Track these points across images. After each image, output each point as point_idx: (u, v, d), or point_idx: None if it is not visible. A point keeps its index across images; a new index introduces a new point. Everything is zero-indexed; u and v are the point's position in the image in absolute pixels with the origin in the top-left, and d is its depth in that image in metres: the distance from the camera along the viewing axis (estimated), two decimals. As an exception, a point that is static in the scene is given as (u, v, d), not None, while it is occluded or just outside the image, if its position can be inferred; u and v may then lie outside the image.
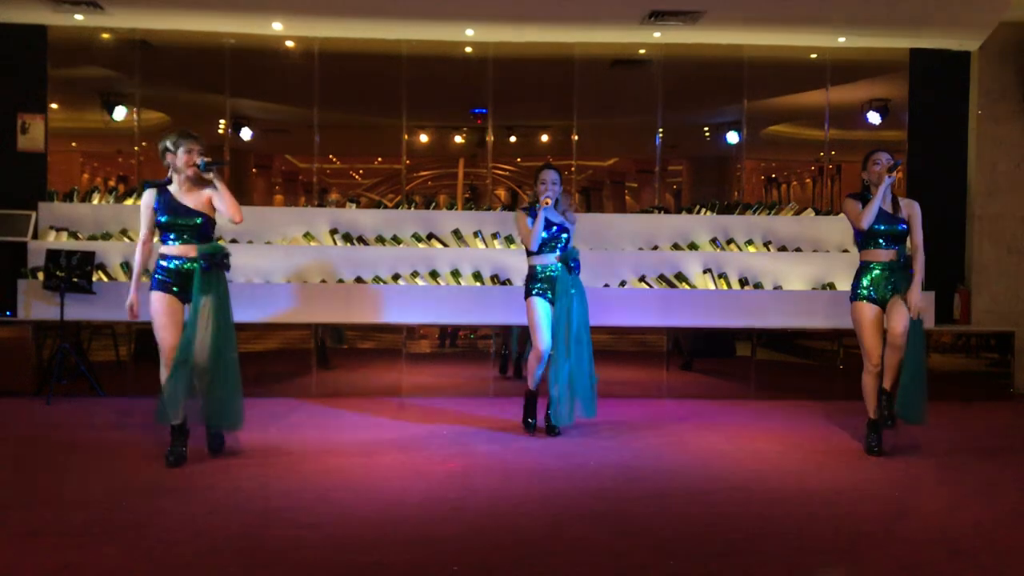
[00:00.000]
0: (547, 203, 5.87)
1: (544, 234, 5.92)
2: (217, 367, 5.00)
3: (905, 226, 5.54)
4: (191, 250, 5.02)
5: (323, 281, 7.99)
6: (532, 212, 5.96)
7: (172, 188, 5.06)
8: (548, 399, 5.92)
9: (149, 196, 5.07)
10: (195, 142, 5.03)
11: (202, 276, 4.97)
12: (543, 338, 5.90)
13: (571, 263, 5.95)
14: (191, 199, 5.05)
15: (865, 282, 5.56)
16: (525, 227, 5.97)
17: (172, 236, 5.05)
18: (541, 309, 5.93)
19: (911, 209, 5.57)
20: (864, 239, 5.58)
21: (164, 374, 5.00)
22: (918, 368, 5.44)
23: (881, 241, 5.53)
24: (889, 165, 5.46)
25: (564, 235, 6.00)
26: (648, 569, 3.57)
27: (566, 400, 5.85)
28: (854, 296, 5.62)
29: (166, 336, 5.00)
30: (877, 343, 5.50)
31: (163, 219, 5.01)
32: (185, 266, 5.03)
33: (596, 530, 4.05)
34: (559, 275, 5.92)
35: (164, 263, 5.06)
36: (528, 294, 5.99)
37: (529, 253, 6.03)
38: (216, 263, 5.01)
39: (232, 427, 5.27)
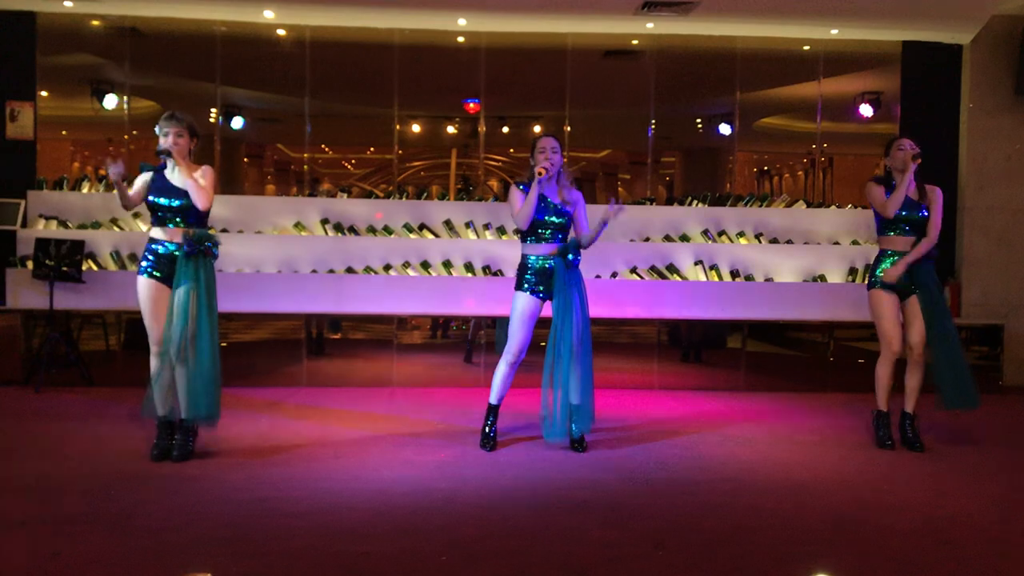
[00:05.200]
0: (542, 172, 5.07)
1: (541, 217, 5.19)
2: (192, 356, 4.80)
3: (928, 213, 5.48)
4: (177, 234, 4.90)
5: (314, 271, 7.98)
6: (527, 187, 5.21)
7: (167, 171, 4.96)
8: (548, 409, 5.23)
9: (146, 176, 5.00)
10: (173, 124, 4.91)
11: (184, 261, 4.84)
12: (520, 339, 5.21)
13: (569, 257, 5.19)
14: (180, 181, 4.91)
15: (884, 268, 5.52)
16: (517, 202, 5.20)
17: (160, 216, 4.91)
18: (526, 307, 5.23)
19: (934, 195, 5.50)
20: (885, 225, 5.55)
21: (154, 363, 4.90)
22: (957, 355, 5.43)
23: (904, 227, 5.49)
24: (914, 153, 5.41)
25: (562, 220, 5.22)
26: (637, 559, 3.57)
27: (564, 412, 5.17)
28: (872, 284, 5.58)
29: (153, 324, 4.90)
30: (897, 331, 5.48)
31: (152, 198, 4.89)
32: (171, 250, 4.90)
33: (586, 520, 4.05)
34: (556, 269, 5.20)
35: (152, 246, 4.94)
36: (518, 287, 5.30)
37: (523, 239, 5.31)
38: (201, 249, 4.86)
39: (207, 420, 4.95)
